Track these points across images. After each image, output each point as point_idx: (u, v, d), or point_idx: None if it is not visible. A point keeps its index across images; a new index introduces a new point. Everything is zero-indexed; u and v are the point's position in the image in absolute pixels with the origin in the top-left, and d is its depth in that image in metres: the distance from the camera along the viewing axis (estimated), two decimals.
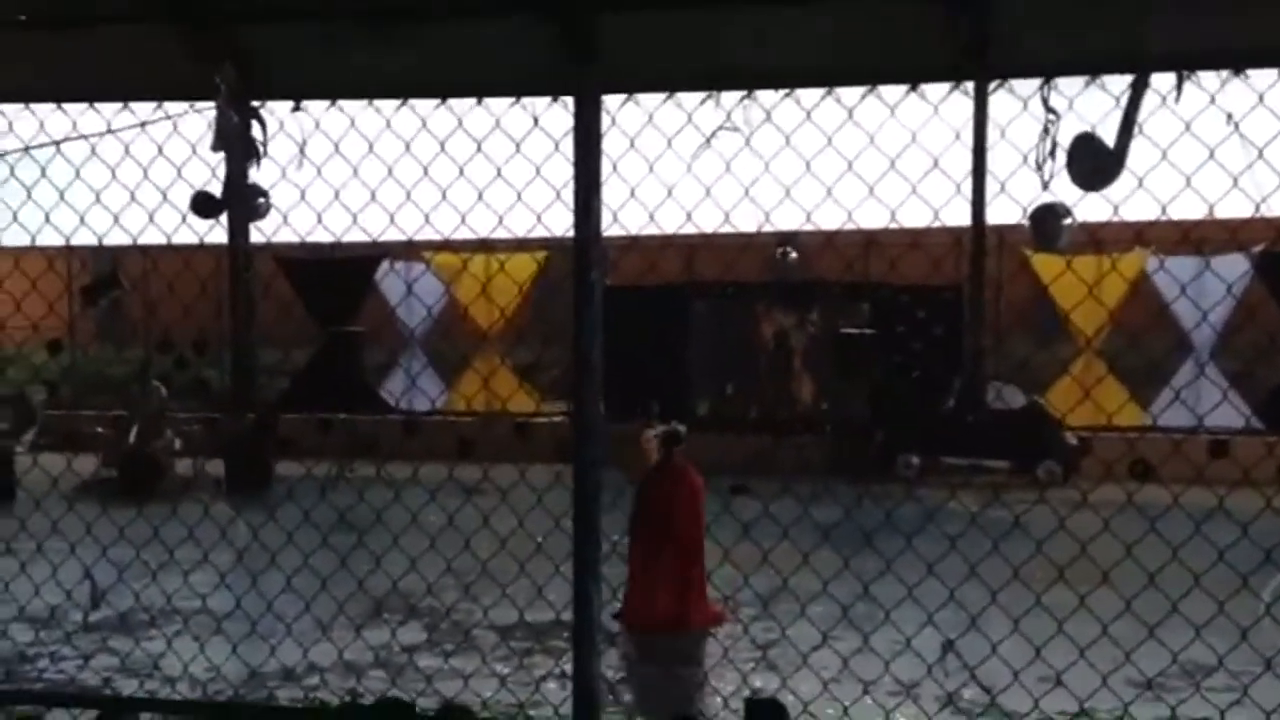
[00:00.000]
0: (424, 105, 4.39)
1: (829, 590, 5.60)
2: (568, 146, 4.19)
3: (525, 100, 4.26)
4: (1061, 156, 4.13)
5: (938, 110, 4.05)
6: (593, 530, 4.42)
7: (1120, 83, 3.95)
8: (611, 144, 4.17)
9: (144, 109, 4.49)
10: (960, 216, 18.96)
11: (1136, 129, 3.98)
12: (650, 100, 4.14)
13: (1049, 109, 4.20)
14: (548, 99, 4.21)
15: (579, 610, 4.43)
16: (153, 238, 5.38)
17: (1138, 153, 4.34)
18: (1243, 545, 4.87)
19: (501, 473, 6.10)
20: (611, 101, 4.14)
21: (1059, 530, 5.05)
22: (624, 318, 17.52)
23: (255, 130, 4.84)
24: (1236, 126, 3.88)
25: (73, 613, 9.28)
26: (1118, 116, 3.97)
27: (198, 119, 4.50)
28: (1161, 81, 3.91)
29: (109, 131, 4.60)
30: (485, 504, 5.72)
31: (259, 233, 17.95)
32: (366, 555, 6.08)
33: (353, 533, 6.58)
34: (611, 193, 4.25)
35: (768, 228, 4.97)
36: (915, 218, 4.58)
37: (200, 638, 6.49)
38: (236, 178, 6.43)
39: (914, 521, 6.09)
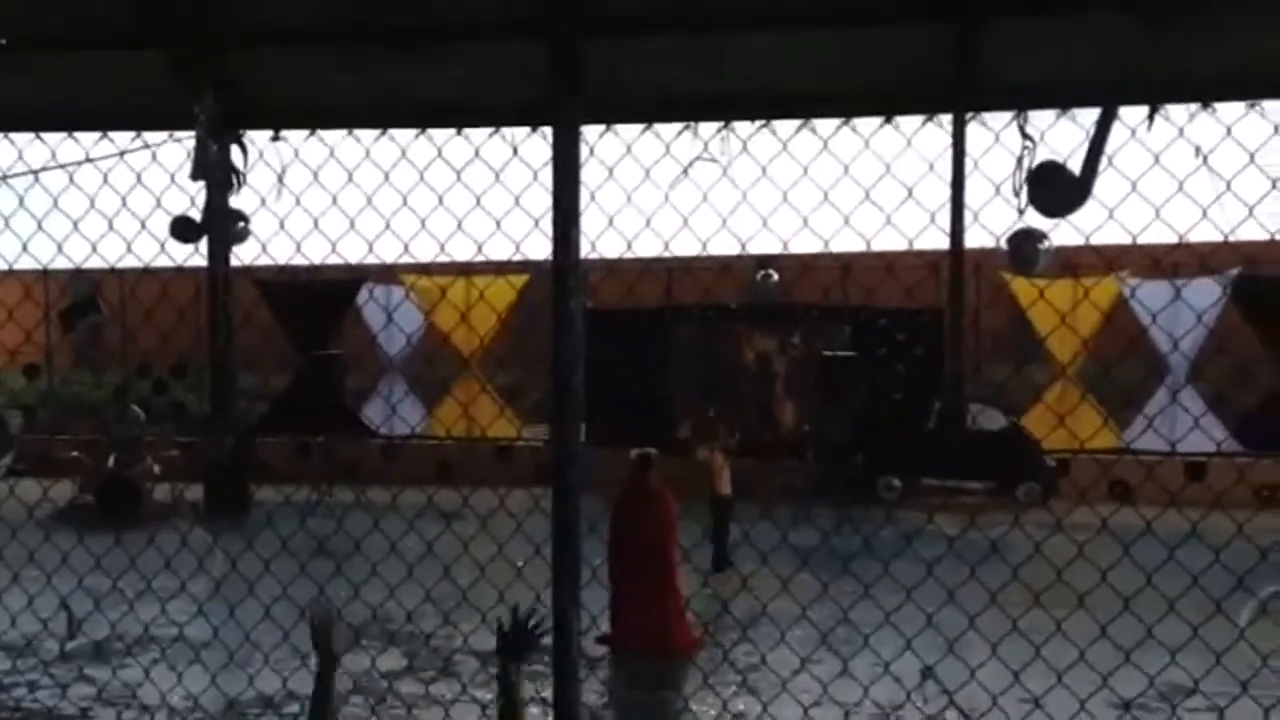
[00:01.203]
0: (403, 135, 4.41)
1: (808, 615, 5.62)
2: (546, 176, 4.22)
3: (504, 130, 4.29)
4: (1030, 182, 4.19)
5: (910, 143, 4.11)
6: (573, 556, 4.43)
7: (1091, 116, 4.02)
8: (590, 174, 4.21)
9: (122, 138, 4.51)
10: (939, 240, 19.14)
11: (1105, 161, 4.05)
12: (628, 131, 4.18)
13: (1025, 135, 4.25)
14: (526, 130, 4.25)
15: (559, 636, 4.43)
16: (132, 264, 5.39)
17: (1110, 183, 4.40)
18: (1217, 568, 4.91)
19: (482, 497, 6.10)
20: (590, 132, 4.18)
21: (1036, 554, 5.09)
22: (605, 342, 17.56)
23: (236, 157, 4.86)
24: (1205, 159, 3.95)
25: (49, 641, 9.19)
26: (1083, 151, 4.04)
27: (176, 148, 4.52)
28: (1131, 115, 3.98)
29: (87, 160, 4.61)
30: (465, 530, 5.71)
31: (238, 258, 17.88)
32: (345, 582, 6.05)
33: (331, 559, 6.55)
34: (590, 221, 4.29)
35: (751, 248, 5.02)
36: (893, 243, 4.63)
37: (177, 666, 6.45)
38: (216, 203, 6.43)
39: (894, 545, 6.13)
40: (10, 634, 7.89)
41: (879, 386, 20.07)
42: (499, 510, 5.40)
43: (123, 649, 9.12)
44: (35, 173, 4.83)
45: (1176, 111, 3.85)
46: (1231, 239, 4.45)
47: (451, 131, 4.33)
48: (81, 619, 9.15)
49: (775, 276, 21.57)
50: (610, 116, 4.30)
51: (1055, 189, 4.11)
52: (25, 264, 5.08)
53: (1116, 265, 16.96)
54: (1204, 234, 4.67)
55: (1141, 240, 4.48)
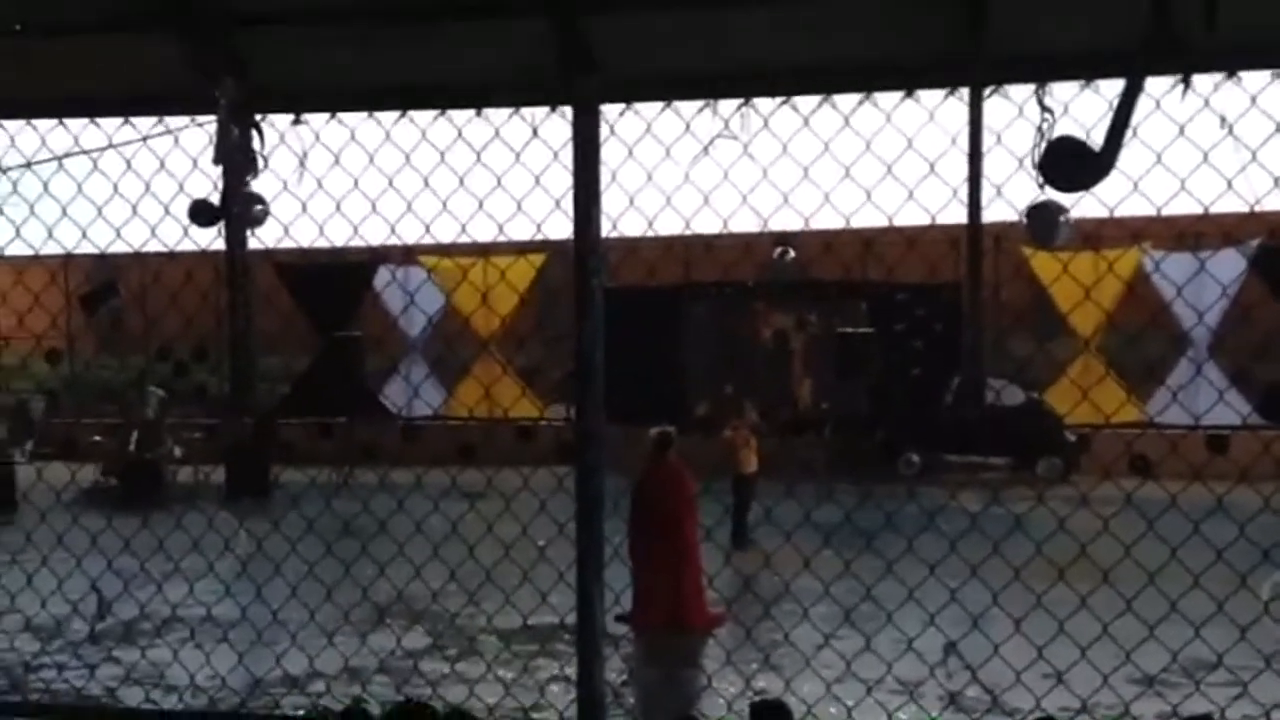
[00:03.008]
0: (423, 117, 4.41)
1: (831, 592, 5.63)
2: (566, 156, 4.22)
3: (524, 110, 4.29)
4: (1044, 158, 4.15)
5: (933, 116, 4.09)
6: (596, 535, 4.44)
7: (1115, 87, 3.98)
8: (610, 153, 4.20)
9: (144, 123, 4.53)
10: (959, 215, 19.03)
11: (1130, 133, 4.02)
12: (648, 110, 4.17)
13: (1044, 108, 4.22)
14: (546, 109, 4.24)
15: (583, 615, 4.46)
16: (153, 248, 5.41)
17: (1135, 155, 4.36)
18: (1242, 542, 4.90)
19: (505, 478, 6.12)
20: (609, 111, 4.17)
21: (1059, 530, 5.08)
22: (623, 321, 17.55)
23: (255, 142, 4.86)
24: (1231, 129, 3.91)
25: (77, 624, 9.30)
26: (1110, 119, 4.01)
27: (199, 132, 4.54)
28: (1154, 85, 3.94)
29: (110, 146, 4.63)
30: (489, 510, 5.74)
31: (258, 240, 17.98)
32: (370, 562, 6.10)
33: (356, 540, 6.61)
34: (610, 201, 4.28)
35: (771, 225, 5.00)
36: (913, 218, 4.60)
37: (205, 646, 6.51)
38: (234, 187, 6.45)
39: (917, 522, 6.13)
40: (40, 616, 8.00)
41: (897, 363, 20.02)
42: (523, 490, 5.42)
43: (151, 630, 9.21)
44: (59, 159, 4.87)
45: (1201, 81, 3.81)
46: (1257, 210, 4.42)
47: (471, 113, 4.33)
48: (110, 600, 9.26)
49: (792, 254, 21.49)
50: (629, 95, 4.28)
51: (1071, 163, 4.08)
52: (48, 250, 5.12)
53: (1139, 237, 16.83)
54: (1228, 205, 4.63)
55: (1166, 212, 4.45)
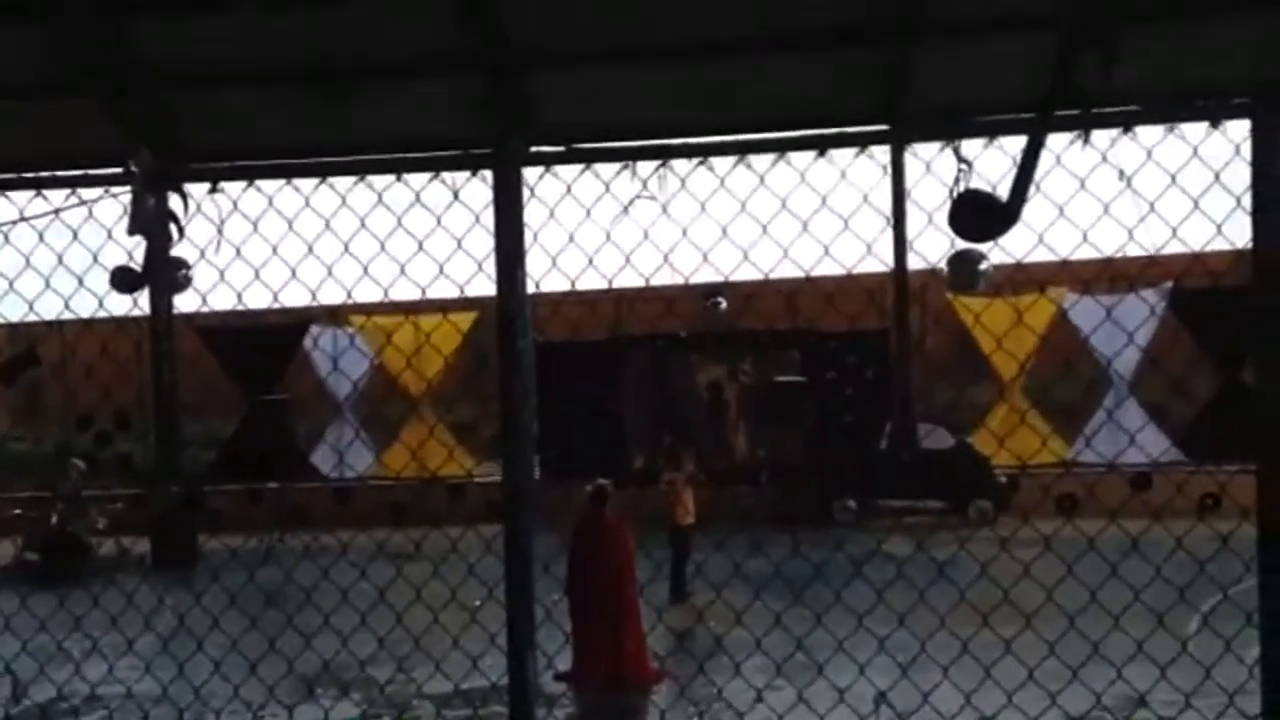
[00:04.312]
0: (342, 182, 4.42)
1: (763, 644, 5.64)
2: (487, 218, 4.24)
3: (444, 175, 4.32)
4: (952, 209, 4.28)
5: (845, 175, 4.19)
6: (527, 597, 4.42)
7: (1018, 144, 4.12)
8: (531, 214, 4.24)
9: (57, 195, 4.47)
10: (881, 266, 19.39)
11: (1034, 187, 4.16)
12: (567, 172, 4.22)
13: (960, 159, 4.35)
14: (466, 174, 4.27)
15: (514, 678, 4.42)
16: (70, 318, 5.33)
17: (1040, 206, 4.51)
18: (1163, 579, 5.01)
19: (435, 540, 6.06)
20: (529, 173, 4.22)
21: (983, 574, 5.16)
22: (556, 376, 17.56)
23: (176, 204, 4.82)
24: (1129, 182, 4.07)
25: None
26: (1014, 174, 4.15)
27: (113, 202, 4.49)
28: (1055, 141, 4.09)
29: (21, 219, 4.56)
30: (418, 573, 5.67)
31: (179, 308, 17.76)
32: (297, 633, 5.99)
33: (282, 610, 6.48)
34: (534, 260, 4.31)
35: (695, 279, 5.06)
36: (840, 266, 4.69)
37: None
38: (156, 252, 6.36)
39: (847, 570, 6.17)
40: None
41: (830, 410, 20.25)
42: (451, 553, 5.37)
43: (68, 711, 8.91)
44: None
45: (1099, 137, 3.96)
46: (1160, 256, 4.58)
47: (391, 177, 4.34)
48: (27, 682, 8.95)
49: (724, 304, 21.71)
50: (548, 158, 4.34)
51: (978, 215, 4.21)
52: None
53: (1054, 282, 17.26)
54: (1134, 251, 4.79)
55: (1077, 257, 4.59)
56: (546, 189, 4.41)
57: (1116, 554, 4.83)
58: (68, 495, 18.04)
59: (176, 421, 20.20)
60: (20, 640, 5.78)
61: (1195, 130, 4.04)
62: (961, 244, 5.09)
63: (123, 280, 6.36)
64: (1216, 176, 4.08)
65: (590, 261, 4.40)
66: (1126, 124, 4.06)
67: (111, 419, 22.77)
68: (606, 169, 4.33)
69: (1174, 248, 4.78)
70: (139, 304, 5.11)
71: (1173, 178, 4.16)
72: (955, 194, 4.28)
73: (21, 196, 4.62)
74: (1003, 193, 4.54)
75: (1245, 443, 4.03)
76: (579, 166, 4.34)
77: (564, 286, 4.67)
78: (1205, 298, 17.16)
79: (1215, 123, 4.00)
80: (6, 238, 4.59)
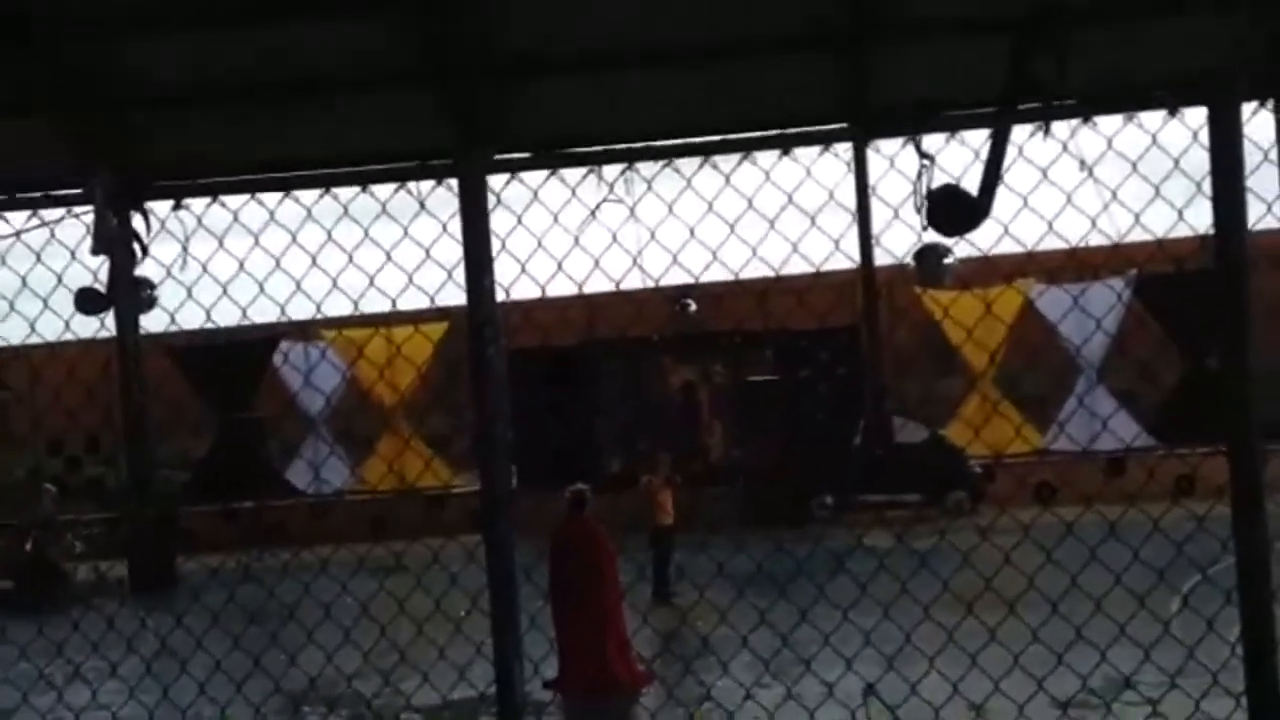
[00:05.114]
0: (307, 195, 4.39)
1: (749, 642, 5.64)
2: (454, 226, 4.23)
3: (410, 184, 4.29)
4: (927, 205, 4.31)
5: (810, 172, 4.21)
6: (511, 606, 4.41)
7: (978, 138, 4.16)
8: (498, 222, 4.23)
9: (17, 217, 4.42)
10: (849, 263, 19.47)
11: (1000, 179, 4.19)
12: (533, 178, 4.21)
13: (922, 155, 4.37)
14: (431, 183, 4.25)
15: (502, 687, 4.40)
16: (36, 342, 5.26)
17: (1006, 198, 4.54)
18: (1143, 562, 5.06)
19: (415, 551, 6.03)
20: (495, 180, 4.20)
21: (964, 564, 5.19)
22: (529, 383, 17.52)
23: (139, 224, 4.77)
24: (1090, 172, 4.10)
25: None
26: (978, 168, 4.18)
27: (74, 222, 4.44)
28: (1016, 133, 4.12)
29: None
30: (400, 586, 5.64)
31: (146, 326, 17.58)
32: (281, 651, 5.94)
33: (264, 628, 6.43)
34: (502, 267, 4.30)
35: (664, 282, 5.05)
36: (809, 264, 4.70)
37: None
38: (121, 274, 6.30)
39: (829, 565, 6.19)
40: None
41: (804, 407, 20.30)
42: (433, 564, 5.34)
43: None
44: None
45: (1058, 127, 4.00)
46: (1124, 244, 4.62)
47: (356, 189, 4.32)
48: (9, 712, 8.83)
49: (694, 306, 21.73)
50: (514, 165, 4.32)
51: (953, 209, 4.24)
52: None
53: (1020, 274, 17.39)
54: (1099, 240, 4.84)
55: (1043, 247, 4.63)
56: (513, 196, 4.40)
57: (1095, 539, 4.86)
58: (42, 521, 17.84)
59: (148, 443, 20.01)
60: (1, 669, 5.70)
61: (1153, 119, 4.08)
62: (927, 238, 5.11)
63: (88, 302, 6.30)
64: (1176, 163, 4.12)
65: (559, 266, 4.39)
66: (1086, 114, 4.10)
67: (82, 443, 22.54)
68: (572, 175, 4.34)
69: (1137, 235, 4.84)
70: (105, 325, 5.05)
71: (1134, 165, 4.20)
72: (930, 190, 4.30)
73: None
74: (968, 187, 4.56)
75: (1214, 425, 4.07)
76: (544, 174, 4.33)
77: (534, 293, 4.66)
78: (1169, 283, 17.36)
79: (1173, 111, 4.04)
80: None
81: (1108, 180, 4.25)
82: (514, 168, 4.20)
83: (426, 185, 4.43)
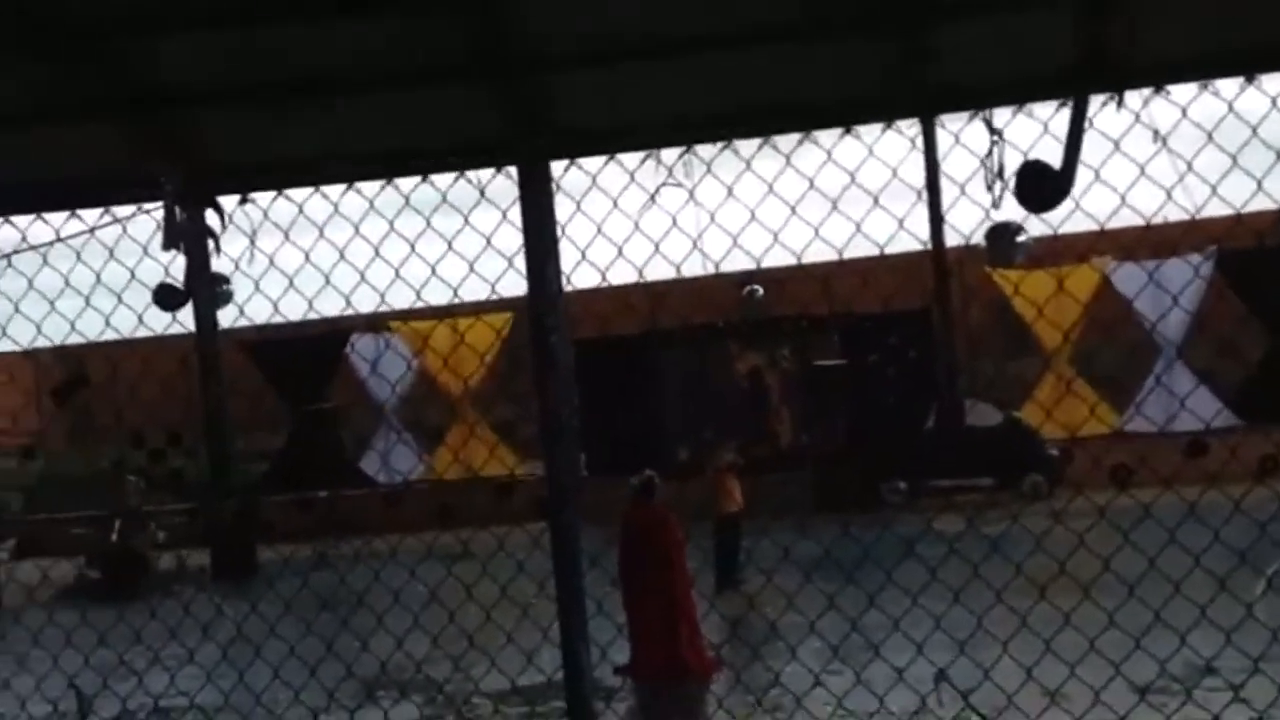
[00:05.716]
0: (370, 187, 4.43)
1: (818, 628, 5.60)
2: (515, 214, 4.24)
3: (470, 173, 4.31)
4: (1010, 179, 4.21)
5: (872, 151, 4.14)
6: (577, 594, 4.42)
7: (1045, 110, 4.05)
8: (557, 211, 4.22)
9: (91, 214, 4.52)
10: (917, 245, 19.19)
11: (1079, 154, 4.08)
12: (591, 164, 4.20)
13: (992, 130, 4.28)
14: (491, 170, 4.27)
15: (570, 673, 4.41)
16: (114, 338, 5.39)
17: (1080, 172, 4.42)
18: (1222, 546, 4.92)
19: (483, 539, 6.08)
20: (554, 167, 4.20)
21: (1038, 548, 5.09)
22: (596, 373, 17.55)
23: (212, 218, 4.86)
24: (1165, 143, 3.98)
25: None
26: (1047, 141, 4.07)
27: (148, 220, 4.54)
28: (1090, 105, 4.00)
29: (58, 240, 4.62)
30: (468, 573, 5.68)
31: (222, 321, 17.93)
32: (354, 636, 6.04)
33: (337, 614, 6.55)
34: (563, 256, 4.29)
35: (726, 267, 5.01)
36: (874, 246, 4.63)
37: None
38: (197, 267, 6.43)
39: (897, 550, 6.11)
40: (21, 718, 7.83)
41: (873, 392, 20.07)
42: (499, 553, 5.38)
43: None
44: (7, 256, 4.85)
45: (1130, 97, 3.88)
46: (1201, 219, 4.48)
47: (418, 179, 4.35)
48: (92, 696, 9.08)
49: (761, 292, 21.58)
50: (575, 151, 4.31)
51: (1041, 184, 4.13)
52: (3, 346, 5.08)
53: (1094, 251, 17.01)
54: (1175, 215, 4.69)
55: (1116, 224, 4.51)
56: (571, 184, 4.39)
57: (1173, 522, 4.74)
58: (128, 511, 18.33)
59: (228, 435, 20.45)
60: (83, 656, 5.87)
61: (1229, 86, 3.95)
62: (996, 216, 5.01)
63: (166, 298, 6.43)
64: (1254, 131, 3.98)
65: (619, 252, 4.37)
66: (1159, 84, 3.98)
67: (164, 436, 23.10)
68: (630, 161, 4.31)
69: (1215, 208, 4.68)
70: (178, 320, 5.15)
71: (1209, 135, 4.06)
72: (1021, 165, 4.21)
73: (56, 218, 4.68)
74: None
75: None
76: (603, 160, 4.32)
77: (595, 281, 4.65)
78: (1252, 258, 16.86)
79: (1250, 78, 3.91)
80: (45, 258, 4.65)
81: (1183, 151, 4.13)
82: (573, 153, 4.19)
83: (486, 175, 4.44)
